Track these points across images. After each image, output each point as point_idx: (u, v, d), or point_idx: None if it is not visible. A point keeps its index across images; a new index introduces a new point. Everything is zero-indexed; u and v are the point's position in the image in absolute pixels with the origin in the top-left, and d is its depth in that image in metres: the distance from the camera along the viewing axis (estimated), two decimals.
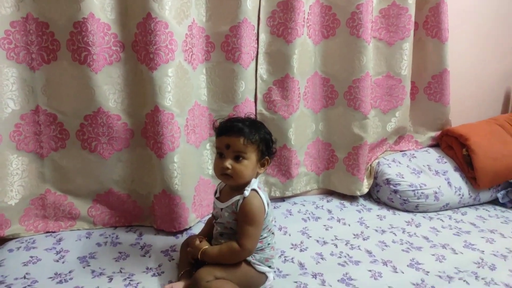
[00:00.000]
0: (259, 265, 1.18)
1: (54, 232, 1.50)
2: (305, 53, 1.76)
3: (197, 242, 1.19)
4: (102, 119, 1.45)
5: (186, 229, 1.56)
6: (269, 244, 1.20)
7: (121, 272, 1.25)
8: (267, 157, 1.19)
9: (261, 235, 1.17)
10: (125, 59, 1.47)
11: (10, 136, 1.38)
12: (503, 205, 1.90)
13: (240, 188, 1.15)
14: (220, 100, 1.66)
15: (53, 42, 1.39)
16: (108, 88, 1.44)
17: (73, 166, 1.49)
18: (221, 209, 1.18)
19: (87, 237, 1.46)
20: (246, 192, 1.13)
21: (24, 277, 1.20)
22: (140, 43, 1.44)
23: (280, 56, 1.69)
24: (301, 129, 1.84)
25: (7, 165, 1.38)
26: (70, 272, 1.24)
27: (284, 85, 1.72)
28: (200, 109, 1.64)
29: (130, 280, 1.21)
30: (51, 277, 1.21)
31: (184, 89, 1.51)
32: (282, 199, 1.89)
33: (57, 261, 1.30)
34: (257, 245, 1.16)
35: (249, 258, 1.16)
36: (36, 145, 1.45)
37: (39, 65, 1.41)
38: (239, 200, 1.14)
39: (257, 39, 1.67)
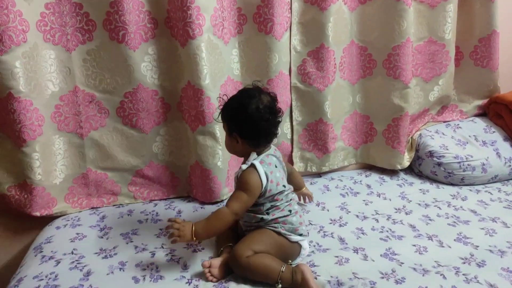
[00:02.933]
0: (290, 235, 1.17)
1: (97, 208, 1.55)
2: (341, 21, 1.67)
3: (179, 221, 1.07)
4: (141, 95, 1.49)
5: (218, 202, 1.59)
6: (291, 211, 1.19)
7: (162, 247, 1.28)
8: (234, 133, 1.15)
9: (275, 203, 1.17)
10: (159, 35, 1.48)
11: (51, 117, 1.42)
12: None
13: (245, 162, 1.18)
14: (253, 74, 1.62)
15: (88, 23, 1.41)
16: (146, 64, 1.47)
17: (114, 143, 1.53)
18: (234, 177, 1.23)
19: (128, 215, 1.49)
20: (243, 166, 1.15)
21: (72, 253, 1.25)
22: (172, 20, 1.44)
23: (314, 25, 1.62)
24: (338, 102, 1.77)
25: (50, 146, 1.43)
26: (114, 247, 1.28)
27: (319, 55, 1.65)
28: (233, 84, 1.61)
29: (172, 255, 1.23)
30: (96, 253, 1.25)
31: (215, 64, 1.49)
32: (319, 174, 1.85)
33: (102, 237, 1.34)
34: (278, 212, 1.17)
35: (279, 229, 1.16)
36: (76, 126, 1.49)
37: (74, 46, 1.43)
38: (239, 172, 1.17)
39: (290, 8, 1.60)
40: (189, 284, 1.10)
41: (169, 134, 1.58)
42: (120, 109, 1.50)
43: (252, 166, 1.14)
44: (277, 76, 1.61)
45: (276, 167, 1.19)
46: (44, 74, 1.38)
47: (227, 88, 1.57)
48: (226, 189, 1.60)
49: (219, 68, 1.52)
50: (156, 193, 1.63)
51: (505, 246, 1.25)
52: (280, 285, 1.06)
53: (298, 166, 1.81)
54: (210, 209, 1.55)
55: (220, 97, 1.49)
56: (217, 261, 1.13)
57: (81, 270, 1.17)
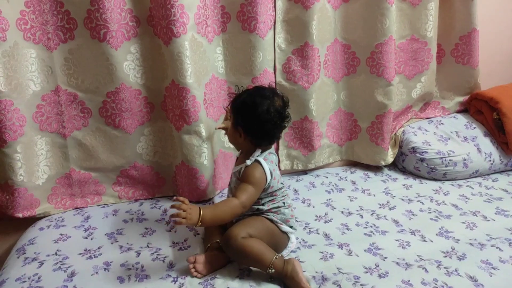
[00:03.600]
0: (281, 224, 1.20)
1: (81, 208, 1.54)
2: (325, 19, 1.69)
3: (187, 203, 1.02)
4: (124, 94, 1.47)
5: (206, 200, 1.60)
6: (284, 203, 1.22)
7: (148, 247, 1.27)
8: (240, 127, 1.17)
9: (273, 197, 1.20)
10: (142, 34, 1.46)
11: (33, 117, 1.40)
12: None
13: (247, 157, 1.19)
14: (238, 73, 1.63)
15: (69, 21, 1.39)
16: (128, 63, 1.45)
17: (97, 143, 1.52)
18: (232, 173, 1.24)
19: (113, 214, 1.48)
20: (248, 162, 1.16)
21: (56, 254, 1.24)
22: (155, 18, 1.43)
23: (298, 23, 1.63)
24: (323, 100, 1.79)
25: (32, 146, 1.41)
26: (99, 248, 1.27)
27: (304, 53, 1.66)
28: (218, 82, 1.61)
29: (158, 254, 1.23)
30: (81, 253, 1.24)
31: (199, 63, 1.49)
32: (305, 172, 1.87)
33: (86, 237, 1.33)
34: (272, 204, 1.19)
35: (272, 217, 1.19)
36: (58, 125, 1.47)
37: (56, 45, 1.40)
38: (242, 168, 1.18)
39: (274, 7, 1.61)
40: (175, 283, 1.10)
41: (153, 134, 1.57)
42: (103, 109, 1.48)
43: (257, 162, 1.16)
44: (261, 74, 1.62)
45: (276, 165, 1.21)
46: (25, 73, 1.36)
47: (211, 86, 1.57)
48: (212, 187, 1.60)
49: (203, 66, 1.52)
50: (141, 193, 1.62)
51: (484, 239, 1.29)
52: (272, 270, 1.07)
53: (285, 164, 1.82)
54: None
55: (205, 96, 1.50)
56: (202, 257, 1.14)
57: (65, 271, 1.15)
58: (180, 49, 1.40)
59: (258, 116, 1.14)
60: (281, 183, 1.22)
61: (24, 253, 1.25)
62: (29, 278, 1.12)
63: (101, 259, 1.21)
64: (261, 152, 1.19)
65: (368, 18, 1.70)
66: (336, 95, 1.85)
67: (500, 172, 1.83)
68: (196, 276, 1.11)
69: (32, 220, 1.46)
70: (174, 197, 1.03)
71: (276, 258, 1.08)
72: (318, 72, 1.71)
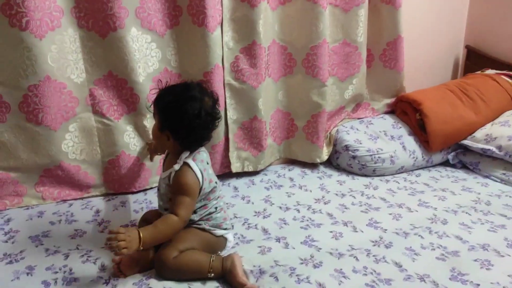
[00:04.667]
0: (214, 229, 1.18)
1: (0, 211, 1.41)
2: (267, 19, 1.71)
3: (123, 231, 0.98)
4: (49, 88, 1.36)
5: (147, 189, 1.58)
6: (216, 208, 1.18)
7: (78, 249, 1.20)
8: (167, 131, 1.09)
9: (205, 202, 1.15)
10: (66, 24, 1.38)
11: None
12: (453, 166, 2.00)
13: (175, 160, 1.12)
14: (191, 67, 1.59)
15: None
16: (52, 55, 1.35)
17: (16, 141, 1.39)
18: (161, 179, 1.17)
19: (38, 216, 1.38)
20: (176, 166, 1.10)
21: None
22: (83, 9, 1.36)
23: (245, 22, 1.62)
24: (267, 99, 1.80)
25: None
26: (21, 252, 1.17)
27: (252, 52, 1.66)
28: (171, 76, 1.58)
29: (88, 256, 1.16)
30: (0, 258, 1.14)
31: (144, 58, 1.48)
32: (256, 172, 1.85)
33: (6, 241, 1.22)
34: (204, 211, 1.15)
35: (203, 226, 1.15)
36: None
37: None
38: (171, 173, 1.11)
39: (221, 4, 1.58)
40: (107, 285, 1.05)
41: (79, 130, 1.48)
42: (23, 103, 1.36)
43: (186, 165, 1.09)
44: (213, 69, 1.59)
45: (207, 163, 1.16)
46: None
47: (163, 79, 1.52)
48: (157, 177, 1.55)
49: (150, 60, 1.50)
50: (68, 193, 1.52)
51: (408, 229, 1.39)
52: (212, 274, 1.06)
53: (235, 166, 1.78)
54: (132, 206, 1.49)
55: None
56: (128, 257, 1.08)
57: None
58: (119, 43, 1.37)
59: (190, 122, 1.06)
60: (215, 182, 1.17)
61: None
62: None
63: (23, 263, 1.11)
64: (190, 153, 1.12)
65: (303, 21, 1.75)
66: (275, 95, 1.89)
67: (423, 168, 1.98)
68: (119, 276, 1.06)
69: None
70: (109, 230, 0.98)
71: (212, 260, 1.06)
72: (265, 71, 1.72)
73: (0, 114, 1.36)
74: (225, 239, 1.20)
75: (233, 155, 1.78)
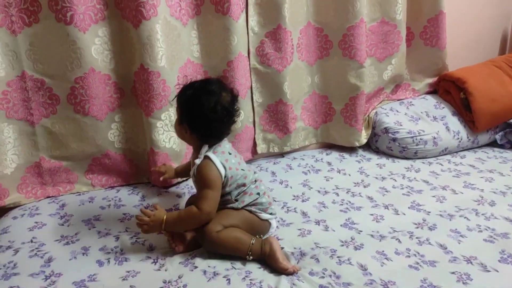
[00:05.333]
0: (260, 213, 1.19)
1: (54, 197, 1.50)
2: (297, 2, 1.69)
3: (154, 211, 1.11)
4: (94, 80, 1.42)
5: (179, 183, 1.60)
6: (258, 193, 1.18)
7: (127, 231, 1.26)
8: (185, 124, 1.13)
9: (243, 189, 1.16)
10: (110, 17, 1.42)
11: None
12: (501, 146, 1.90)
13: (196, 155, 1.16)
14: (213, 56, 1.61)
15: (33, 3, 1.33)
16: (96, 47, 1.40)
17: (67, 131, 1.47)
18: (191, 175, 1.20)
19: (89, 202, 1.46)
20: (197, 161, 1.13)
21: (31, 241, 1.21)
22: (124, 0, 1.39)
23: (270, 5, 1.62)
24: (297, 83, 1.80)
25: None
26: (76, 234, 1.25)
27: (277, 36, 1.67)
28: (193, 67, 1.60)
29: (137, 238, 1.22)
30: (57, 240, 1.22)
31: (173, 46, 1.46)
32: (281, 155, 1.88)
33: (62, 224, 1.30)
34: (247, 197, 1.16)
35: (250, 208, 1.17)
36: (26, 112, 1.42)
37: (20, 29, 1.35)
38: (194, 169, 1.14)
39: None
40: (155, 264, 1.10)
41: (124, 121, 1.53)
42: (71, 95, 1.42)
43: (207, 158, 1.12)
44: (236, 57, 1.61)
45: (230, 154, 1.16)
46: None
47: (186, 70, 1.55)
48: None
49: (177, 50, 1.50)
50: (115, 180, 1.59)
51: (453, 211, 1.35)
52: (251, 257, 1.08)
53: (261, 147, 1.83)
54: (174, 191, 1.54)
55: (179, 80, 1.48)
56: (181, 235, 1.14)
57: (41, 257, 1.13)
58: (150, 32, 1.37)
59: (204, 114, 1.08)
60: (242, 169, 1.17)
61: None
62: (4, 266, 1.09)
63: (79, 244, 1.19)
64: (209, 147, 1.14)
65: (339, 0, 1.72)
66: (310, 78, 1.87)
67: (468, 149, 1.90)
68: (174, 249, 1.12)
69: (3, 211, 1.42)
70: (140, 209, 1.11)
71: (253, 243, 1.09)
72: (291, 55, 1.72)
73: (51, 106, 1.44)
74: (269, 223, 1.22)
75: (259, 136, 1.81)
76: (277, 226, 1.26)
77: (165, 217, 1.09)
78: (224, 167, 1.12)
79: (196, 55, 1.61)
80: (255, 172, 1.26)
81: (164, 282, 1.03)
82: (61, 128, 1.47)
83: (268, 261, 1.08)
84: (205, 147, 1.14)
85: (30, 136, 1.45)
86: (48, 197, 1.50)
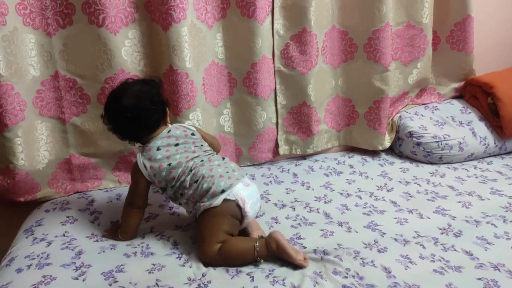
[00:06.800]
0: (212, 200, 1.10)
1: (83, 192, 1.55)
2: (322, 5, 1.70)
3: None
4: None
5: None
6: (197, 181, 1.13)
7: (151, 231, 1.28)
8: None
9: (174, 183, 1.16)
10: (140, 19, 1.46)
11: (33, 102, 1.41)
12: None
13: None
14: (238, 58, 1.64)
15: (67, 6, 1.39)
16: (126, 49, 1.45)
17: (96, 129, 1.52)
18: None
19: (117, 199, 1.49)
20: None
21: (64, 235, 1.26)
22: (154, 4, 1.43)
23: (296, 9, 1.64)
24: (321, 86, 1.80)
25: (32, 131, 1.42)
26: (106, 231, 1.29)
27: (302, 39, 1.68)
28: (218, 68, 1.63)
29: (162, 235, 1.25)
30: (88, 236, 1.26)
31: (198, 48, 1.50)
32: (304, 157, 1.89)
33: (93, 222, 1.34)
34: (189, 191, 1.14)
35: (201, 209, 1.12)
36: (58, 111, 1.48)
37: (55, 30, 1.41)
38: None
39: None
40: (180, 259, 1.13)
41: None
42: (101, 95, 1.47)
43: (135, 162, 1.19)
44: (260, 60, 1.63)
45: (158, 149, 1.16)
46: (24, 58, 1.36)
47: (211, 71, 1.58)
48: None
49: (202, 52, 1.53)
50: None
51: (480, 217, 1.32)
52: (262, 261, 1.08)
53: (283, 149, 1.83)
54: None
55: (204, 81, 1.51)
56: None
57: (72, 250, 1.18)
58: (179, 34, 1.41)
59: (114, 120, 1.18)
60: (169, 164, 1.15)
61: (32, 233, 1.27)
62: (38, 256, 1.15)
63: (108, 242, 1.23)
64: (143, 145, 1.20)
65: (365, 4, 1.72)
66: (334, 81, 1.87)
67: (495, 155, 1.86)
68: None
69: (34, 204, 1.47)
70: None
71: (257, 249, 1.06)
72: (316, 58, 1.73)
73: (81, 105, 1.49)
74: (235, 201, 1.11)
75: (281, 138, 1.82)
76: (299, 223, 1.27)
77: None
78: (145, 167, 1.17)
79: (221, 56, 1.64)
80: (201, 160, 1.18)
81: (189, 279, 1.05)
82: (91, 127, 1.52)
83: (280, 256, 1.08)
84: (139, 147, 1.21)
85: (61, 134, 1.50)
86: (76, 192, 1.55)
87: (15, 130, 1.34)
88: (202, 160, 1.18)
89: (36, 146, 1.44)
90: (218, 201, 1.10)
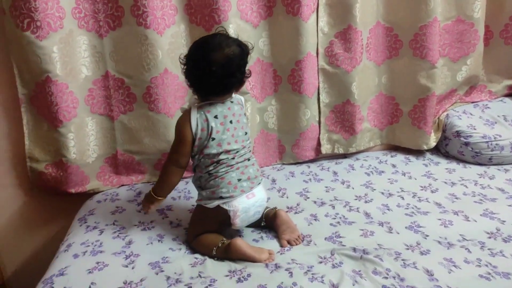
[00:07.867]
0: (208, 201, 1.16)
1: (129, 185, 1.63)
2: (367, 2, 1.66)
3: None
4: (167, 80, 1.52)
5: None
6: (210, 174, 1.14)
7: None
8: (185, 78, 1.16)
9: (204, 160, 1.15)
10: (179, 21, 1.51)
11: (84, 100, 1.49)
12: None
13: None
14: (282, 56, 1.65)
15: (117, 9, 1.45)
16: (169, 49, 1.50)
17: (141, 127, 1.57)
18: None
19: None
20: (180, 111, 1.22)
21: (114, 224, 1.35)
22: (195, 7, 1.49)
23: (341, 6, 1.61)
24: (365, 83, 1.77)
25: (83, 127, 1.50)
26: (151, 222, 1.35)
27: (347, 36, 1.65)
28: (263, 65, 1.65)
29: None
30: (136, 225, 1.33)
31: None
32: (344, 155, 1.87)
33: (140, 211, 1.41)
34: (200, 174, 1.18)
35: (200, 197, 1.20)
36: (107, 109, 1.55)
37: (106, 32, 1.47)
38: None
39: None
40: None
41: None
42: (147, 94, 1.52)
43: (187, 111, 1.15)
44: (305, 57, 1.63)
45: (216, 117, 1.13)
46: (78, 58, 1.44)
47: (255, 69, 1.61)
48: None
49: None
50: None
51: None
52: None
53: (326, 148, 1.81)
54: None
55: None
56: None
57: (123, 239, 1.25)
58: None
59: (192, 68, 1.11)
60: (213, 138, 1.12)
61: (86, 222, 1.37)
62: (92, 243, 1.23)
63: (155, 232, 1.29)
64: (199, 102, 1.15)
65: None
66: (378, 79, 1.83)
67: None
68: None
69: (83, 196, 1.56)
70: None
71: (214, 252, 1.15)
72: (361, 55, 1.70)
73: (128, 104, 1.56)
74: (225, 210, 1.14)
75: (324, 137, 1.80)
76: (338, 222, 1.28)
77: (150, 190, 1.21)
78: (197, 125, 1.12)
79: (266, 54, 1.66)
80: (232, 158, 1.15)
81: (229, 271, 1.08)
82: (136, 124, 1.57)
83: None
84: (194, 101, 1.17)
85: (109, 130, 1.57)
86: (122, 185, 1.63)
87: (68, 126, 1.43)
88: (233, 158, 1.16)
89: (87, 141, 1.52)
90: (212, 204, 1.16)
